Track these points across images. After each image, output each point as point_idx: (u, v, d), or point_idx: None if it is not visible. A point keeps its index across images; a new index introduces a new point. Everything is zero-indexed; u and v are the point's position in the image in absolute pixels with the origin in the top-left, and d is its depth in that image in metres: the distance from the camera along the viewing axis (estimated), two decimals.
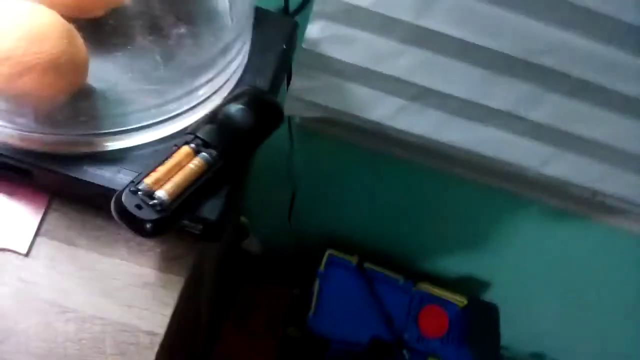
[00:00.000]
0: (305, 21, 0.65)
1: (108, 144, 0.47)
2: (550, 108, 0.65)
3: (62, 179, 0.46)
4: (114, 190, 0.43)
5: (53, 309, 0.45)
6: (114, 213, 0.42)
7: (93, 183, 0.45)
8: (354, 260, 1.11)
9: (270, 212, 1.15)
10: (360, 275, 1.10)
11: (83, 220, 0.49)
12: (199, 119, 0.49)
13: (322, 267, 1.09)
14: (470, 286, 1.20)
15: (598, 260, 1.02)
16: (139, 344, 0.45)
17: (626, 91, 0.62)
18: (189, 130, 0.48)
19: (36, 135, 0.45)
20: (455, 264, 1.18)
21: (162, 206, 0.42)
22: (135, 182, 0.43)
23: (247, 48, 0.54)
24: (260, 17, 0.57)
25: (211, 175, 0.46)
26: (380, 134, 0.81)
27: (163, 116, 0.48)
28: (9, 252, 0.47)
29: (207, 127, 0.47)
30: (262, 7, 0.59)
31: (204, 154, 0.45)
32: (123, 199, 0.42)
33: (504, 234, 1.04)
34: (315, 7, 0.62)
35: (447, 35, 0.60)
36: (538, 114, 0.66)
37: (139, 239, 0.49)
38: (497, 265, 1.14)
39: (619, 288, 1.06)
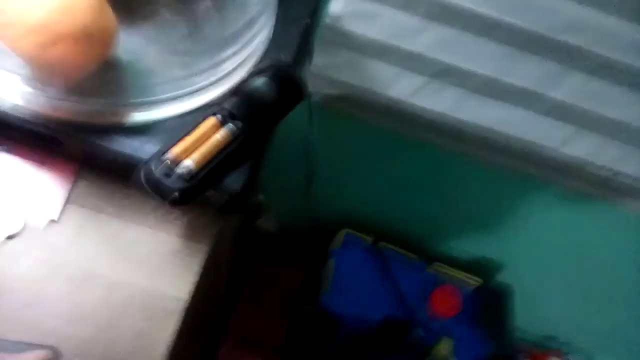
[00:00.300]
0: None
1: (136, 114, 0.47)
2: (571, 87, 0.65)
3: (91, 148, 0.47)
4: (141, 160, 0.44)
5: (81, 274, 0.47)
6: (142, 181, 0.43)
7: (121, 152, 0.46)
8: (369, 239, 1.12)
9: (287, 190, 1.15)
10: (375, 254, 1.11)
11: (111, 189, 0.50)
12: (225, 92, 0.50)
13: (337, 246, 1.10)
14: (484, 267, 1.21)
15: (613, 243, 1.01)
16: (166, 309, 0.46)
17: None
18: (214, 103, 0.48)
19: (66, 104, 0.46)
20: (469, 245, 1.18)
21: (189, 175, 0.43)
22: (163, 151, 0.44)
23: (271, 22, 0.54)
24: None
25: (236, 146, 0.46)
26: (399, 113, 0.81)
27: (189, 88, 0.48)
28: (39, 219, 0.48)
29: (233, 100, 0.48)
30: None
31: (229, 125, 0.46)
32: (151, 167, 0.43)
33: (519, 216, 1.04)
34: None
35: (470, 12, 0.60)
36: (559, 93, 0.66)
37: (166, 208, 0.50)
38: (512, 247, 1.14)
39: (635, 271, 1.06)
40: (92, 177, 0.51)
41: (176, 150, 0.44)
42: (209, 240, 0.50)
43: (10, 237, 0.47)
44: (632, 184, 0.78)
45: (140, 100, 0.47)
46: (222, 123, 0.46)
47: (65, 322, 0.45)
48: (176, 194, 0.43)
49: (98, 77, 0.46)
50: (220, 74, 0.50)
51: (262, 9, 0.50)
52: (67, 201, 0.49)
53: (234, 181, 0.47)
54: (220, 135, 0.46)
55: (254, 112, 0.48)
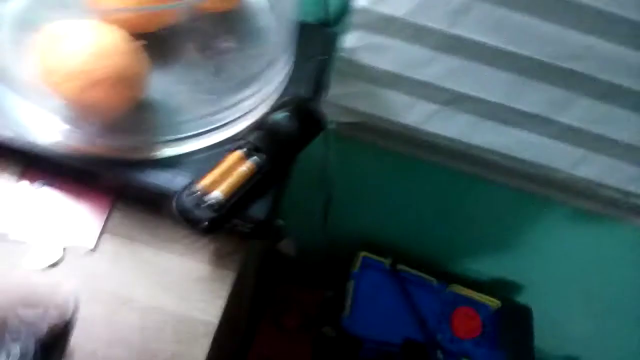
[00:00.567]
0: (343, 31, 0.69)
1: (166, 150, 0.51)
2: (580, 111, 0.67)
3: (125, 181, 0.50)
4: (173, 192, 0.48)
5: (117, 300, 0.50)
6: (174, 212, 0.47)
7: (153, 184, 0.49)
8: (387, 262, 1.13)
9: (306, 215, 1.18)
10: (393, 276, 1.13)
11: (143, 219, 0.54)
12: (248, 126, 0.53)
13: (356, 268, 1.12)
14: (503, 288, 1.21)
15: (631, 262, 1.02)
16: (196, 332, 0.49)
17: None
18: (239, 136, 0.52)
19: (102, 141, 0.50)
20: (487, 267, 1.19)
21: (217, 205, 0.46)
22: (193, 183, 0.47)
23: (291, 60, 0.58)
24: (302, 29, 0.60)
25: (260, 177, 0.50)
26: (413, 139, 0.83)
27: (215, 124, 0.52)
28: (77, 247, 0.52)
29: (256, 134, 0.51)
30: (303, 19, 0.62)
31: (254, 157, 0.50)
32: (182, 199, 0.46)
33: (535, 237, 1.05)
34: (353, 18, 0.65)
35: (478, 43, 0.63)
36: (568, 117, 0.68)
37: (194, 236, 0.53)
38: (529, 268, 1.14)
39: None
40: (125, 208, 0.54)
41: (205, 182, 0.47)
42: (235, 266, 0.53)
43: (51, 266, 0.50)
44: None
45: (170, 136, 0.50)
46: (247, 156, 0.50)
47: (103, 344, 0.48)
48: (206, 223, 0.46)
49: (131, 116, 0.50)
50: (243, 110, 0.53)
51: (283, 49, 0.53)
52: (103, 231, 0.53)
53: (259, 210, 0.50)
54: (245, 167, 0.49)
55: (277, 145, 0.51)
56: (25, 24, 0.54)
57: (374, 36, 0.66)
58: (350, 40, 0.67)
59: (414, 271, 1.13)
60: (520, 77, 0.65)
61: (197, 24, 0.57)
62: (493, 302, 1.12)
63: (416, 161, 0.93)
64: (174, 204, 0.46)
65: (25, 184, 0.54)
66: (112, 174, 0.51)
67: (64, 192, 0.54)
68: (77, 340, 0.48)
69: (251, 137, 0.51)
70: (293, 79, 0.58)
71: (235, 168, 0.49)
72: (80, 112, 0.49)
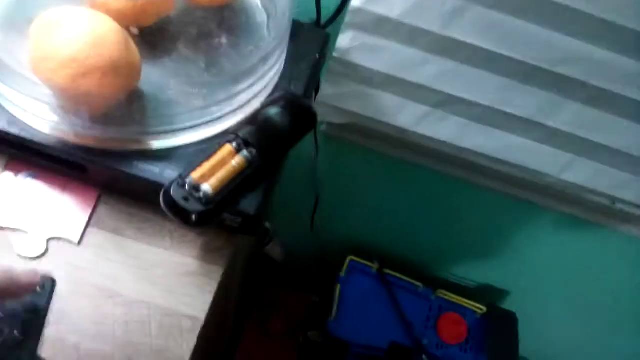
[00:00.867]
0: (336, 32, 0.69)
1: (156, 142, 0.50)
2: (569, 116, 0.68)
3: (114, 173, 0.50)
4: (161, 185, 0.47)
5: (102, 294, 0.49)
6: (162, 204, 0.46)
7: (143, 177, 0.49)
8: (374, 266, 1.13)
9: (294, 218, 1.18)
10: (380, 281, 1.13)
11: (130, 213, 0.53)
12: (240, 121, 0.53)
13: (343, 273, 1.12)
14: (489, 294, 1.22)
15: (616, 269, 1.03)
16: (182, 328, 0.48)
17: None
18: (230, 131, 0.51)
19: (91, 132, 0.49)
20: (474, 272, 1.20)
21: (207, 199, 0.46)
22: (182, 177, 0.47)
23: (283, 57, 0.58)
24: (296, 28, 0.61)
25: (251, 172, 0.49)
26: (403, 142, 0.84)
27: (207, 118, 0.52)
28: (62, 241, 0.51)
29: (248, 128, 0.51)
30: (297, 19, 0.63)
31: (244, 152, 0.49)
32: (172, 191, 0.46)
33: (522, 243, 1.06)
34: (347, 18, 0.66)
35: (470, 45, 0.64)
36: (557, 122, 0.69)
37: (182, 230, 0.53)
38: (515, 274, 1.15)
39: (637, 297, 1.07)
40: (112, 202, 0.53)
41: (195, 175, 0.47)
42: (223, 261, 0.52)
43: (35, 258, 0.50)
44: (630, 210, 0.80)
45: (161, 129, 0.50)
46: (238, 150, 0.49)
47: (87, 338, 0.47)
48: (194, 216, 0.46)
49: (122, 107, 0.49)
50: (236, 105, 0.53)
51: (276, 45, 0.53)
52: (89, 224, 0.52)
53: (248, 204, 0.50)
54: (235, 161, 0.48)
55: (268, 140, 0.51)
56: (17, 12, 0.53)
57: (368, 37, 0.66)
58: (344, 40, 0.67)
59: (401, 276, 1.13)
60: (510, 81, 0.66)
61: (191, 18, 0.57)
62: (479, 308, 1.12)
63: (405, 165, 0.93)
64: (162, 196, 0.46)
65: (9, 175, 0.53)
66: (100, 166, 0.50)
67: (50, 184, 0.53)
68: (60, 333, 0.47)
69: (242, 132, 0.50)
70: (285, 77, 0.58)
71: (226, 162, 0.48)
72: (71, 101, 0.48)
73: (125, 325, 0.48)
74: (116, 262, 0.51)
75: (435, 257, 1.19)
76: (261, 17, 0.59)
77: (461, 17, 0.62)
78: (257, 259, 1.23)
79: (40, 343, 0.37)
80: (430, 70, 0.67)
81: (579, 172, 0.73)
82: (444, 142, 0.74)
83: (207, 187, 0.46)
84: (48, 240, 0.51)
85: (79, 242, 0.51)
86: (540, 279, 1.12)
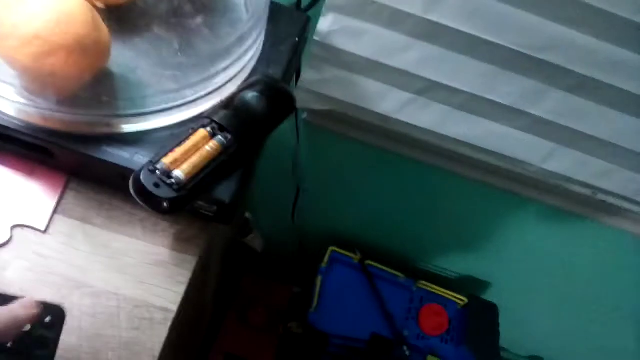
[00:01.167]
0: (317, 16, 0.67)
1: (126, 125, 0.48)
2: (553, 104, 0.67)
3: (81, 158, 0.47)
4: (131, 170, 0.45)
5: (69, 284, 0.47)
6: (132, 191, 0.44)
7: (112, 163, 0.47)
8: (356, 257, 1.12)
9: (274, 208, 1.16)
10: (362, 272, 1.12)
11: (99, 200, 0.51)
12: (215, 105, 0.51)
13: (324, 264, 1.10)
14: (470, 285, 1.21)
15: (598, 261, 1.03)
16: (153, 320, 0.47)
17: (628, 88, 0.63)
18: (205, 115, 0.49)
19: (58, 115, 0.47)
20: (455, 263, 1.19)
21: (179, 185, 0.44)
22: (153, 162, 0.45)
23: (261, 39, 0.56)
24: (275, 11, 0.59)
25: (226, 158, 0.47)
26: (386, 131, 0.82)
27: (180, 101, 0.49)
28: (27, 229, 0.48)
29: (223, 112, 0.49)
30: (277, 1, 0.61)
31: (219, 137, 0.47)
32: (141, 177, 0.44)
33: (504, 234, 1.06)
34: (328, 0, 0.64)
35: (454, 30, 0.62)
36: (541, 110, 0.68)
37: (154, 219, 0.51)
38: (497, 265, 1.15)
39: (619, 289, 1.07)
40: (80, 188, 0.51)
41: (166, 161, 0.45)
42: (197, 251, 0.50)
43: None
44: (612, 201, 0.80)
45: (131, 111, 0.48)
46: (212, 135, 0.47)
47: None
48: (165, 203, 0.44)
49: (90, 89, 0.47)
50: (211, 88, 0.51)
51: (253, 26, 0.51)
52: (55, 212, 0.50)
53: (223, 192, 0.48)
54: (209, 146, 0.46)
55: (244, 125, 0.49)
56: None
57: (349, 19, 0.64)
58: (324, 24, 0.65)
59: (382, 267, 1.12)
60: (494, 67, 0.65)
61: None
62: (460, 299, 1.12)
63: (388, 155, 0.92)
64: (131, 182, 0.44)
65: None
66: (67, 150, 0.48)
67: (15, 169, 0.51)
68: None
69: (217, 116, 0.48)
70: (263, 60, 0.56)
71: (199, 147, 0.46)
72: (36, 82, 0.45)
73: (93, 317, 0.46)
74: (84, 252, 0.48)
75: (417, 248, 1.18)
76: None
77: (444, 1, 0.60)
78: (237, 249, 1.21)
79: None
80: (412, 56, 0.66)
81: (561, 161, 0.73)
82: (427, 130, 0.73)
83: (179, 173, 0.44)
84: (12, 228, 0.48)
85: (45, 230, 0.49)
86: (521, 270, 1.12)
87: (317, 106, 0.75)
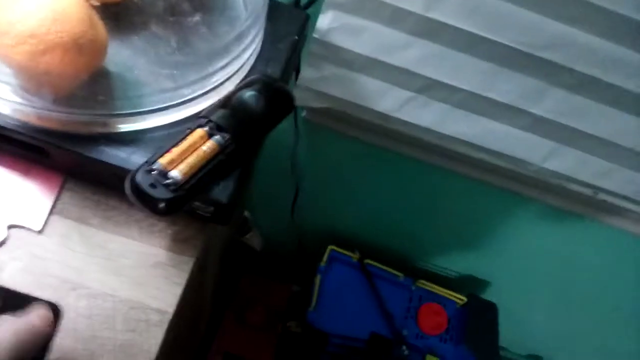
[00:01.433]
0: (317, 14, 0.66)
1: (123, 125, 0.48)
2: (553, 103, 0.66)
3: (78, 158, 0.47)
4: (128, 170, 0.44)
5: (65, 285, 0.46)
6: (128, 191, 0.43)
7: (108, 163, 0.46)
8: (355, 256, 1.12)
9: (273, 207, 1.16)
10: (361, 271, 1.11)
11: (96, 201, 0.50)
12: (213, 104, 0.50)
13: (323, 263, 1.10)
14: (470, 284, 1.21)
15: (597, 260, 1.03)
16: (149, 321, 0.46)
17: (629, 87, 0.63)
18: (202, 114, 0.49)
19: (54, 114, 0.46)
20: (455, 262, 1.19)
21: (175, 186, 0.43)
22: (149, 162, 0.44)
23: (260, 37, 0.55)
24: (274, 9, 0.58)
25: (223, 158, 0.47)
26: (385, 130, 0.82)
27: (177, 100, 0.49)
28: (23, 229, 0.48)
29: (221, 112, 0.48)
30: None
31: (216, 137, 0.47)
32: (138, 177, 0.43)
33: (504, 233, 1.05)
34: None
35: (454, 28, 0.62)
36: (541, 109, 0.67)
37: (151, 219, 0.50)
38: (497, 265, 1.15)
39: (618, 289, 1.07)
40: (77, 188, 0.50)
41: (163, 161, 0.44)
42: (194, 252, 0.50)
43: None
44: (613, 201, 0.80)
45: (128, 111, 0.47)
46: (210, 135, 0.47)
47: None
48: (162, 204, 0.43)
49: (87, 88, 0.46)
50: (208, 87, 0.50)
51: (251, 24, 0.51)
52: (52, 212, 0.49)
53: (221, 192, 0.47)
54: (207, 146, 0.46)
55: (242, 124, 0.48)
56: None
57: (349, 17, 0.64)
58: (324, 21, 0.65)
59: (381, 266, 1.12)
60: (494, 66, 0.64)
61: None
62: (459, 298, 1.11)
63: (388, 153, 0.92)
64: (127, 183, 0.43)
65: None
66: (64, 150, 0.47)
67: (10, 168, 0.50)
68: None
69: (215, 116, 0.48)
70: (262, 58, 0.56)
71: (196, 147, 0.46)
72: (31, 80, 0.45)
73: (88, 318, 0.46)
74: (80, 252, 0.48)
75: (416, 247, 1.18)
76: None
77: None
78: (236, 248, 1.21)
79: None
80: (413, 54, 0.65)
81: (561, 160, 0.72)
82: (426, 129, 0.72)
83: (176, 174, 0.44)
84: (8, 228, 0.48)
85: (41, 231, 0.48)
86: (521, 269, 1.12)
87: (316, 104, 0.75)
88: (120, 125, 0.48)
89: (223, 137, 0.47)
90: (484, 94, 0.67)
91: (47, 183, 0.50)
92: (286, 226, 1.17)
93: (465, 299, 1.11)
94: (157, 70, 0.50)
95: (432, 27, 0.62)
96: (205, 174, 0.45)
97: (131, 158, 0.46)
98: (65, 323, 0.45)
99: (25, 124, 0.46)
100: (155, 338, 0.46)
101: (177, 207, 0.44)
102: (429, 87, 0.68)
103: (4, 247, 0.47)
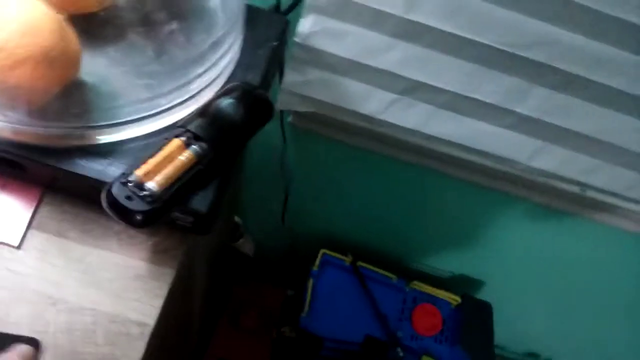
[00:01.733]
0: (297, 19, 0.66)
1: (100, 137, 0.47)
2: (537, 101, 0.66)
3: (54, 171, 0.46)
4: (105, 183, 0.44)
5: (44, 300, 0.46)
6: (104, 204, 0.43)
7: (85, 175, 0.46)
8: (347, 259, 1.11)
9: (264, 212, 1.15)
10: (353, 274, 1.11)
11: (74, 214, 0.50)
12: (190, 113, 0.50)
13: (316, 267, 1.09)
14: (463, 284, 1.21)
15: (589, 257, 1.02)
16: (130, 335, 0.45)
17: (612, 84, 0.63)
18: (180, 124, 0.48)
19: (29, 128, 0.45)
20: (447, 263, 1.19)
21: (152, 197, 0.43)
22: (126, 174, 0.44)
23: (238, 44, 0.55)
24: (252, 15, 0.57)
25: (201, 167, 0.46)
26: (372, 133, 0.81)
27: (154, 110, 0.48)
28: (0, 244, 0.47)
29: (198, 121, 0.48)
30: (255, 5, 0.59)
31: (194, 146, 0.46)
32: (113, 190, 0.43)
33: (495, 233, 1.05)
34: (308, 0, 0.63)
35: (436, 29, 0.61)
36: (525, 107, 0.67)
37: (130, 231, 0.50)
38: (490, 264, 1.14)
39: (611, 284, 1.07)
40: (54, 202, 0.50)
41: (139, 172, 0.44)
42: (175, 263, 0.49)
43: None
44: (601, 198, 0.79)
45: (104, 122, 0.46)
46: (187, 144, 0.46)
47: None
48: (139, 216, 0.43)
49: (61, 100, 0.46)
50: (186, 96, 0.49)
51: (228, 30, 0.50)
52: (29, 226, 0.48)
53: (200, 202, 0.47)
54: (184, 156, 0.45)
55: (220, 133, 0.48)
56: None
57: (330, 20, 0.63)
58: (305, 25, 0.64)
59: (374, 268, 1.11)
60: (478, 66, 0.64)
61: (139, 3, 0.53)
62: (453, 299, 1.11)
63: (376, 156, 0.91)
64: (103, 196, 0.43)
65: None
66: (39, 164, 0.46)
67: None
68: None
69: (192, 125, 0.47)
70: (241, 65, 0.55)
71: (173, 157, 0.45)
72: (3, 95, 0.44)
73: (69, 333, 0.45)
74: (59, 267, 0.47)
75: (409, 249, 1.18)
76: (212, 1, 0.56)
77: (425, 0, 0.59)
78: (229, 254, 1.20)
79: None
80: (395, 56, 0.65)
81: (548, 159, 0.72)
82: (412, 130, 0.72)
83: (152, 185, 0.43)
84: None
85: (19, 246, 0.48)
86: (514, 268, 1.12)
87: (301, 108, 0.74)
88: (96, 137, 0.47)
89: (201, 147, 0.46)
90: (468, 94, 0.66)
91: (25, 197, 0.49)
92: (277, 231, 1.17)
93: (459, 299, 1.11)
94: (133, 81, 0.49)
95: (414, 29, 0.62)
96: (183, 185, 0.45)
97: (108, 170, 0.46)
98: (45, 339, 0.44)
99: (0, 138, 0.46)
100: (136, 351, 0.45)
101: (155, 219, 0.44)
102: (413, 89, 0.67)
103: None
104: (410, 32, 0.63)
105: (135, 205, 0.42)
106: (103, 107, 0.47)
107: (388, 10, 0.61)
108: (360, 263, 1.11)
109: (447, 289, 1.11)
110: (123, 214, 0.43)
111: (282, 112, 0.84)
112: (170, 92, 0.49)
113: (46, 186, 0.50)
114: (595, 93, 0.65)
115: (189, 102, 0.50)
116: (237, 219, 1.15)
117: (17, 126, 0.45)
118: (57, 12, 0.44)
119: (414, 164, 0.90)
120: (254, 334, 1.18)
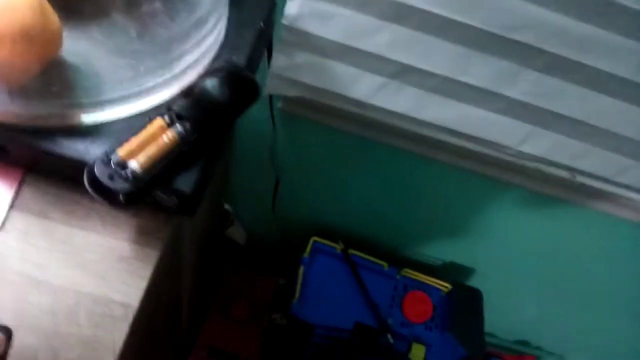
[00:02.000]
0: (284, 1, 0.65)
1: (82, 116, 0.46)
2: (527, 85, 0.65)
3: (35, 152, 0.46)
4: (86, 163, 0.43)
5: (27, 282, 0.45)
6: (86, 184, 0.42)
7: (67, 156, 0.45)
8: (338, 247, 1.11)
9: (254, 199, 1.15)
10: (344, 261, 1.11)
11: (58, 195, 0.49)
12: (174, 94, 0.49)
13: (307, 254, 1.09)
14: (454, 272, 1.21)
15: (580, 243, 1.03)
16: (114, 316, 0.45)
17: (602, 67, 0.62)
18: (163, 104, 0.48)
19: (9, 109, 0.45)
20: (438, 250, 1.19)
21: (134, 177, 0.42)
22: (108, 154, 0.43)
23: (223, 24, 0.54)
24: None
25: (185, 148, 0.46)
26: (362, 118, 0.81)
27: (137, 89, 0.48)
28: None
29: (182, 101, 0.47)
30: None
31: (177, 126, 0.46)
32: (95, 169, 0.42)
33: (486, 220, 1.05)
34: None
35: (424, 11, 0.61)
36: (515, 91, 0.66)
37: (114, 212, 0.49)
38: (480, 251, 1.14)
39: (602, 271, 1.07)
40: (37, 182, 0.49)
41: (121, 152, 0.43)
42: (160, 245, 0.49)
43: None
44: (591, 183, 0.79)
45: (86, 101, 0.46)
46: (170, 124, 0.46)
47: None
48: (121, 196, 0.42)
49: (42, 80, 0.45)
50: (168, 75, 0.49)
51: (212, 8, 0.49)
52: (12, 207, 0.48)
53: (184, 183, 0.46)
54: (167, 136, 0.45)
55: (204, 113, 0.47)
56: None
57: (318, 3, 0.63)
58: (293, 7, 0.64)
59: (365, 256, 1.11)
60: (466, 49, 0.64)
61: None
62: (444, 286, 1.11)
63: (367, 142, 0.91)
64: (85, 175, 0.42)
65: None
66: (21, 145, 0.46)
67: None
68: None
69: (176, 105, 0.47)
70: (226, 46, 0.55)
71: (156, 137, 0.45)
72: None
73: (52, 314, 0.45)
74: (42, 248, 0.47)
75: (400, 236, 1.17)
76: None
77: None
78: (220, 242, 1.20)
79: None
80: (383, 39, 0.64)
81: (538, 143, 0.72)
82: (401, 115, 0.71)
83: (134, 165, 0.43)
84: None
85: (1, 227, 0.47)
86: (504, 255, 1.12)
87: (290, 93, 0.74)
88: (78, 118, 0.46)
89: (184, 127, 0.46)
90: (457, 77, 0.66)
91: (6, 178, 0.49)
92: (268, 218, 1.16)
93: (450, 286, 1.11)
94: (116, 60, 0.48)
95: (402, 11, 0.61)
96: (166, 165, 0.45)
97: (90, 150, 0.45)
98: (28, 320, 0.44)
99: None
100: (120, 332, 0.45)
101: (137, 199, 0.43)
102: (402, 72, 0.67)
103: None
104: (398, 14, 0.62)
105: (117, 184, 0.42)
106: (85, 86, 0.47)
107: None
108: (351, 250, 1.11)
109: (437, 277, 1.11)
110: (105, 194, 0.42)
111: (271, 97, 0.83)
112: (152, 72, 0.48)
113: (28, 167, 0.49)
114: (585, 76, 0.64)
115: (172, 83, 0.50)
116: (227, 206, 1.14)
117: None
118: None
119: (404, 150, 0.89)
120: (245, 322, 1.18)
